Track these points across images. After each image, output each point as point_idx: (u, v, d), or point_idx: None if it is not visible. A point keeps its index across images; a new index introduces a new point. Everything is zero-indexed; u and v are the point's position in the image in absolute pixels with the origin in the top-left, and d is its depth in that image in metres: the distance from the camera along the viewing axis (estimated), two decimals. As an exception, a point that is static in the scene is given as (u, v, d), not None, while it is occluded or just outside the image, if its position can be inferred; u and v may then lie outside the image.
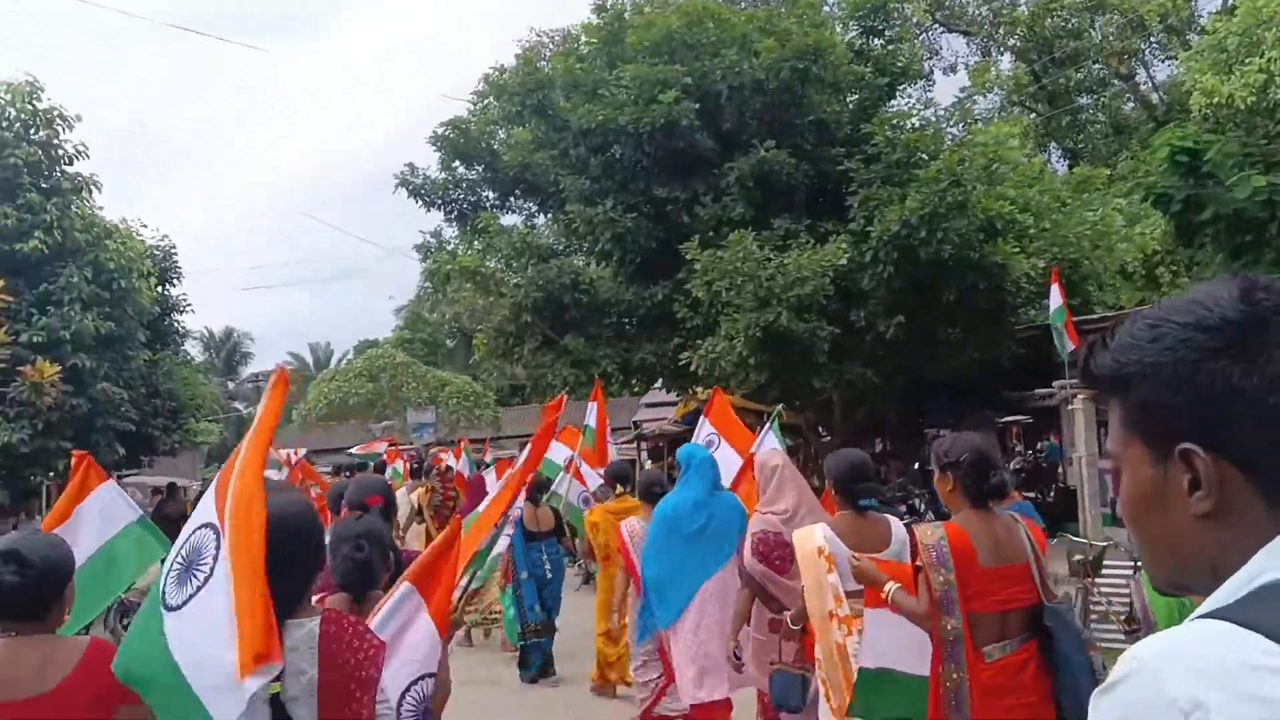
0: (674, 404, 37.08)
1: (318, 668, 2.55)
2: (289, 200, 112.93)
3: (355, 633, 2.67)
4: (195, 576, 2.44)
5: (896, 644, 3.99)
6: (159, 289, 16.14)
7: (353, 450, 25.86)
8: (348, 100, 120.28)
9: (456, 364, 48.31)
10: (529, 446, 4.68)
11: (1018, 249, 13.82)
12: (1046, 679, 3.65)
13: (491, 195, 17.06)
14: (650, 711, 6.84)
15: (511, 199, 17.20)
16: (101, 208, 14.01)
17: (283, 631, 2.47)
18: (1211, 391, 1.03)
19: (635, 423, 39.64)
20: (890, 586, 3.85)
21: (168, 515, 22.29)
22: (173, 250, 16.43)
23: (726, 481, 6.49)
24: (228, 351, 66.51)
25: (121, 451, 13.51)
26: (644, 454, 27.64)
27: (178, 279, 16.58)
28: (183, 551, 2.51)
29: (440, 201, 17.22)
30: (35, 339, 12.15)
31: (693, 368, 14.14)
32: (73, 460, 5.45)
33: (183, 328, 17.14)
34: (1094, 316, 15.96)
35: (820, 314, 13.68)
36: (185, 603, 2.41)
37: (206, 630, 2.36)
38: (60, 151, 13.54)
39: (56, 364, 10.86)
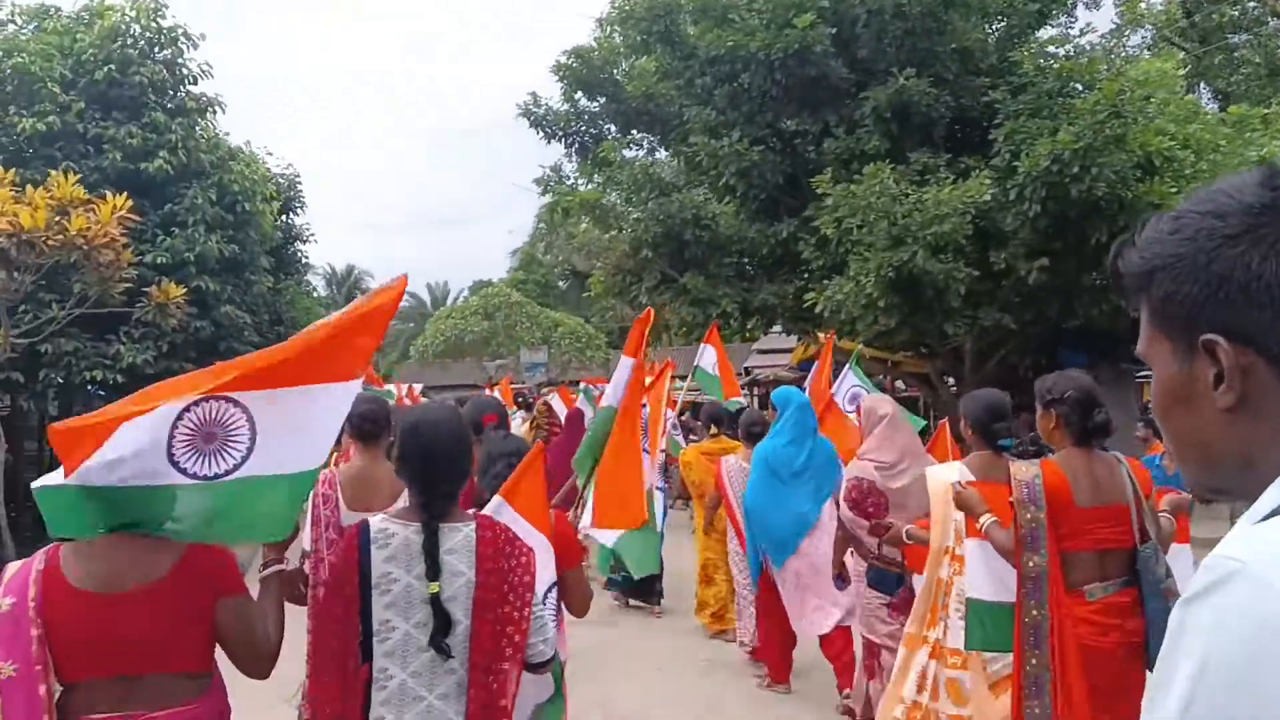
0: (788, 350, 36.52)
1: (474, 571, 2.68)
2: (412, 139, 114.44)
3: (508, 539, 2.78)
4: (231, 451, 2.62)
5: (997, 574, 3.99)
6: (282, 218, 16.16)
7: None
8: (473, 37, 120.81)
9: (568, 306, 48.30)
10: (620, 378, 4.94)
11: (1174, 189, 12.77)
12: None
13: (613, 128, 16.58)
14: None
15: (633, 132, 16.69)
16: (227, 133, 14.00)
17: (440, 535, 2.66)
18: (1231, 279, 1.00)
19: (746, 369, 39.20)
20: (986, 518, 3.84)
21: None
22: (296, 179, 16.49)
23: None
24: (349, 288, 68.09)
25: None
26: (755, 400, 27.17)
27: (301, 208, 16.63)
28: (194, 415, 2.60)
29: (561, 133, 16.82)
30: (160, 260, 12.17)
31: (817, 309, 13.53)
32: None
33: (305, 258, 17.22)
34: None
35: (958, 255, 12.91)
36: (228, 472, 2.57)
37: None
38: (185, 71, 13.38)
39: (181, 285, 10.79)
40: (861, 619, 5.65)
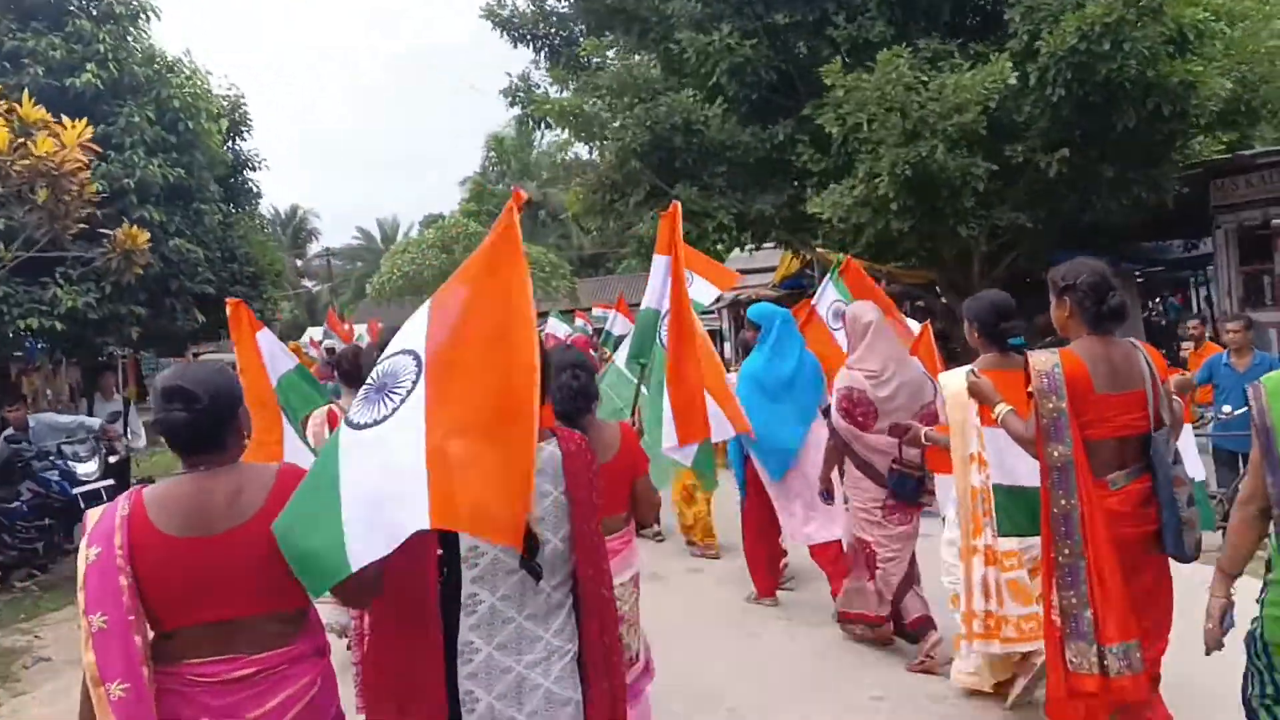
0: (766, 269, 35.47)
1: (564, 486, 2.74)
2: (360, 72, 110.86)
3: (584, 448, 2.86)
4: (389, 399, 2.42)
5: (1019, 459, 3.97)
6: (229, 143, 14.71)
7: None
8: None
9: (524, 236, 46.84)
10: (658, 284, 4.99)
11: (1200, 67, 11.79)
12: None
13: (585, 29, 15.20)
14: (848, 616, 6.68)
15: (607, 34, 15.33)
16: (163, 50, 12.38)
17: None
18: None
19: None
20: (1002, 408, 3.83)
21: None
22: (242, 100, 14.88)
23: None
24: (294, 229, 65.94)
25: (201, 319, 12.22)
26: (733, 321, 26.20)
27: (248, 131, 15.08)
28: (377, 373, 2.53)
29: (530, 36, 15.46)
30: (95, 189, 10.77)
31: (823, 215, 12.47)
32: (228, 309, 5.59)
33: (256, 186, 15.71)
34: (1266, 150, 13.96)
35: (975, 148, 11.90)
36: (374, 424, 2.39)
37: (389, 456, 2.32)
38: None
39: (122, 217, 9.43)
40: (855, 520, 5.72)
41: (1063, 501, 3.51)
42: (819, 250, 15.74)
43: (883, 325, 5.68)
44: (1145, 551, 3.59)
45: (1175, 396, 3.83)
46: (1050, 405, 3.53)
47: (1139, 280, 19.58)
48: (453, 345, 2.42)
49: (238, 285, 13.82)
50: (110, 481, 9.19)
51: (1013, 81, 11.09)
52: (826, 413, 6.07)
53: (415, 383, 2.39)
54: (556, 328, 15.60)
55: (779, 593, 7.13)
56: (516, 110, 15.91)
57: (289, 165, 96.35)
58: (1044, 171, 12.34)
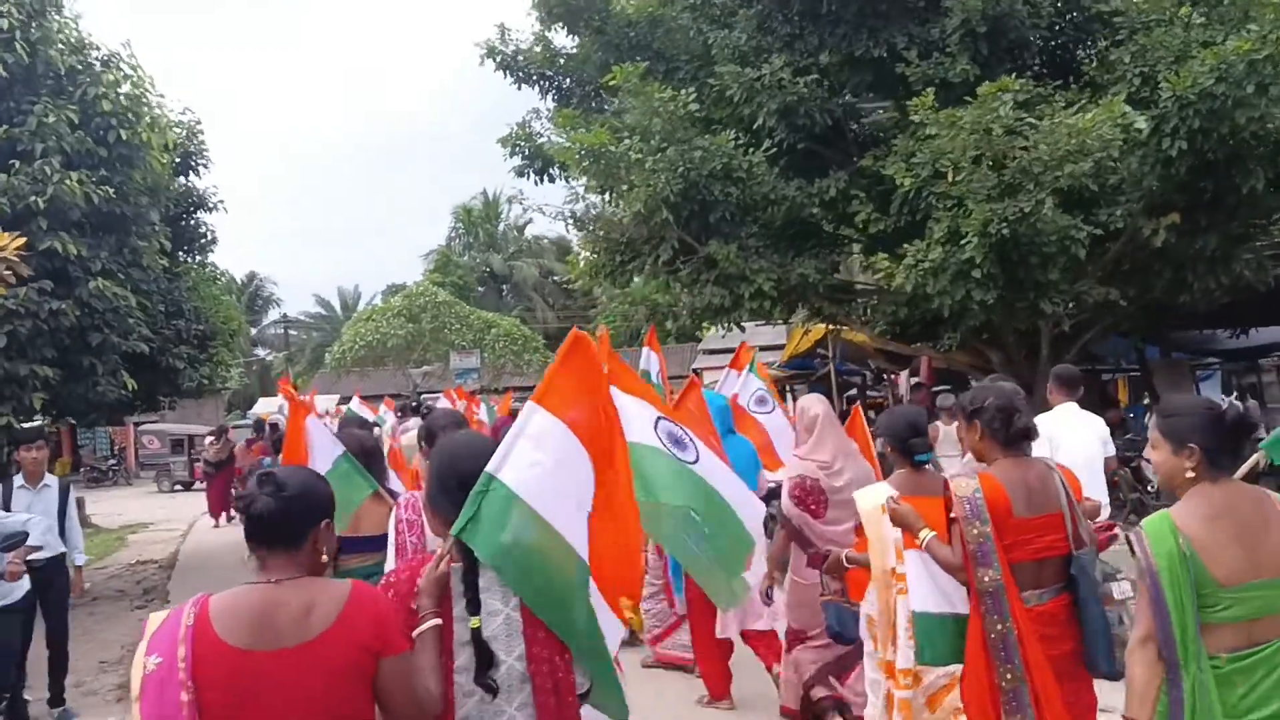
0: (731, 351, 33.66)
1: (516, 602, 2.72)
2: (322, 147, 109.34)
3: None
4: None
5: (938, 585, 4.00)
6: (180, 179, 12.48)
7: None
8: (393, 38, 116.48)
9: (487, 310, 44.90)
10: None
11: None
12: (1080, 628, 3.66)
13: (599, 69, 13.27)
14: (657, 644, 7.14)
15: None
16: (94, 39, 9.95)
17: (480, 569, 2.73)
18: None
19: (695, 371, 36.22)
20: (925, 534, 3.87)
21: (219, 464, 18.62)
22: (198, 127, 12.57)
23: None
24: (250, 295, 63.42)
25: (130, 386, 9.73)
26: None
27: (205, 166, 12.75)
28: None
29: (536, 76, 13.53)
30: (-13, 209, 8.33)
31: (896, 282, 10.48)
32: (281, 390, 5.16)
33: (211, 231, 13.24)
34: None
35: (1079, 206, 10.06)
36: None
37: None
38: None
39: (28, 248, 7.06)
40: (792, 605, 5.71)
41: (999, 626, 3.57)
42: (848, 327, 13.75)
43: (831, 418, 5.68)
44: (1065, 675, 3.62)
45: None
46: (976, 531, 3.58)
47: (1197, 373, 17.88)
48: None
49: (182, 345, 11.47)
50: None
51: (1141, 126, 9.23)
52: (766, 500, 5.92)
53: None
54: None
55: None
56: (516, 160, 13.87)
57: (247, 233, 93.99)
58: (1145, 240, 10.54)
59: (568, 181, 13.71)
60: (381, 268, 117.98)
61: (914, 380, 17.25)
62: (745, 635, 6.37)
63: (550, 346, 43.00)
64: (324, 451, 5.03)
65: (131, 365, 9.82)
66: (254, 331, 61.23)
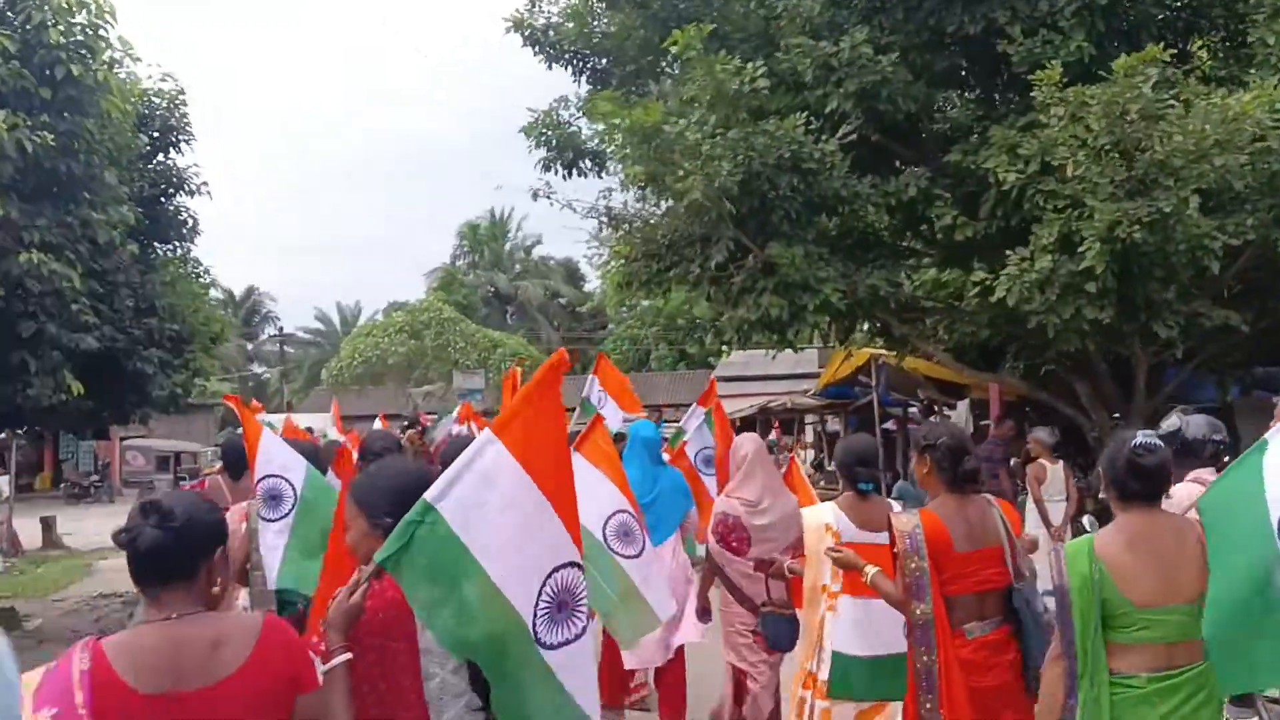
0: (750, 379, 31.95)
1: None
2: (321, 163, 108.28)
3: None
4: (574, 620, 2.60)
5: (867, 630, 4.40)
6: (158, 157, 10.84)
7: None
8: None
9: (493, 327, 43.30)
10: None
11: None
12: (1021, 658, 3.81)
13: (643, 47, 11.69)
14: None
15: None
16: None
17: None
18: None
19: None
20: (870, 570, 3.98)
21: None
22: (179, 98, 10.95)
23: None
24: (248, 310, 61.95)
25: (76, 390, 7.92)
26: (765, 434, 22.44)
27: (186, 142, 11.04)
28: (549, 590, 2.59)
29: (570, 54, 11.98)
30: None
31: (996, 296, 8.88)
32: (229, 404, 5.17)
33: (193, 218, 11.48)
34: None
35: (1218, 210, 8.49)
36: (564, 644, 2.55)
37: (582, 670, 2.61)
38: None
39: None
40: (728, 645, 5.77)
41: (925, 658, 3.72)
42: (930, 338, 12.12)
43: (763, 456, 5.84)
44: (1003, 701, 3.74)
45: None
46: (913, 565, 3.71)
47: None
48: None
49: (153, 348, 9.81)
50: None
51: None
52: None
53: (585, 590, 2.68)
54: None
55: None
56: (541, 152, 12.29)
57: (246, 247, 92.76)
58: (1276, 256, 8.98)
59: (600, 175, 12.15)
60: (384, 286, 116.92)
61: (975, 413, 15.64)
62: (657, 683, 6.51)
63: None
64: (282, 463, 4.75)
65: (83, 366, 8.18)
66: (250, 347, 59.81)
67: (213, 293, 19.17)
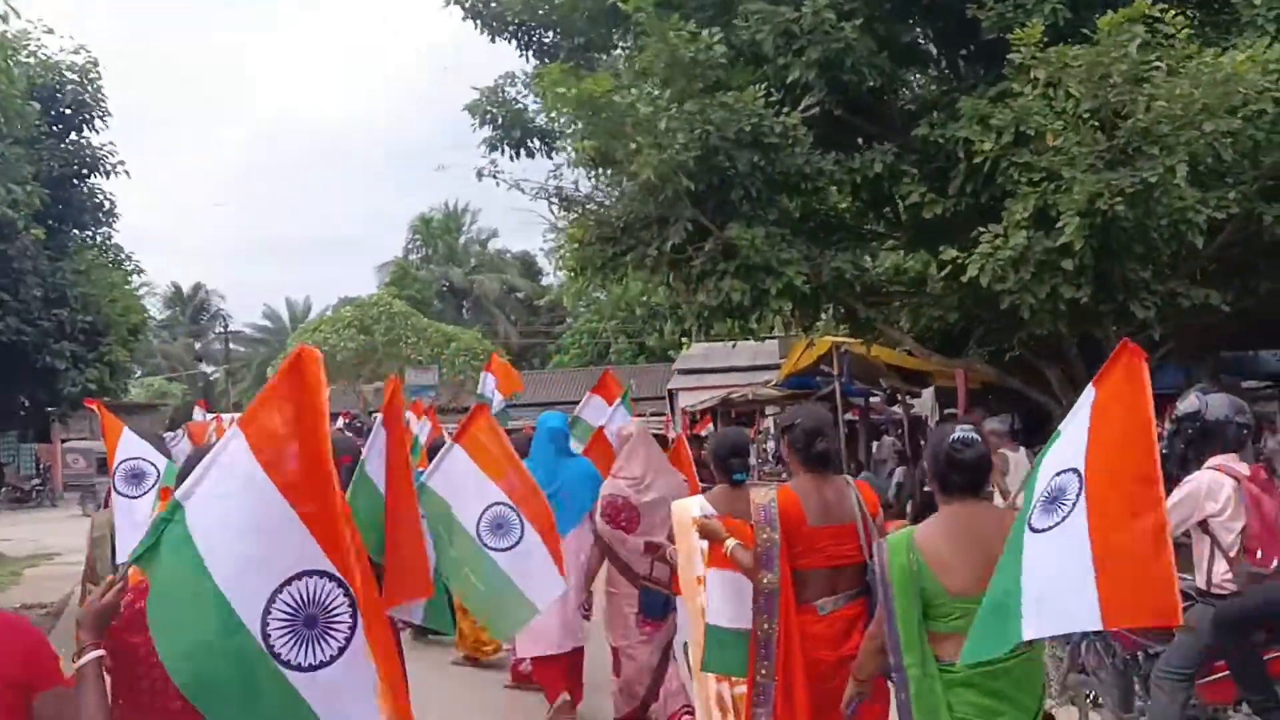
0: (710, 370, 31.44)
1: None
2: (268, 157, 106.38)
3: None
4: (328, 639, 2.37)
5: (734, 602, 4.20)
6: (70, 136, 10.01)
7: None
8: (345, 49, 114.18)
9: (448, 322, 42.48)
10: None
11: None
12: None
13: (592, 20, 11.04)
14: (518, 667, 7.30)
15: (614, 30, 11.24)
16: None
17: None
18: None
19: (670, 391, 33.94)
20: (730, 542, 4.07)
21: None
22: (92, 69, 9.98)
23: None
24: (195, 308, 60.57)
25: None
26: (718, 425, 21.87)
27: (100, 117, 10.13)
28: (288, 599, 2.38)
29: (514, 28, 11.33)
30: None
31: (969, 274, 8.38)
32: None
33: (109, 199, 10.59)
34: None
35: (1203, 180, 8.03)
36: (320, 666, 2.34)
37: (346, 697, 2.37)
38: None
39: None
40: (611, 626, 5.94)
41: (765, 626, 3.86)
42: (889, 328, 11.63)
43: (646, 437, 6.05)
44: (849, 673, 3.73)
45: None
46: (764, 536, 3.85)
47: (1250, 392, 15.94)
48: (1101, 458, 2.61)
49: (65, 341, 9.04)
50: None
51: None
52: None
53: (353, 616, 2.36)
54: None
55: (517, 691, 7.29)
56: (486, 131, 11.63)
57: (193, 243, 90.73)
58: (1260, 230, 8.58)
59: (550, 156, 11.51)
60: (335, 282, 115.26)
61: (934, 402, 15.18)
62: (534, 663, 6.63)
63: (514, 363, 40.77)
64: (141, 450, 4.89)
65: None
66: (199, 346, 58.42)
67: (149, 286, 18.32)
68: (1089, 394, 2.80)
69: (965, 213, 9.32)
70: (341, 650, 2.35)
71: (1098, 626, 2.59)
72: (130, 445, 4.82)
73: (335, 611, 2.36)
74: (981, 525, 3.12)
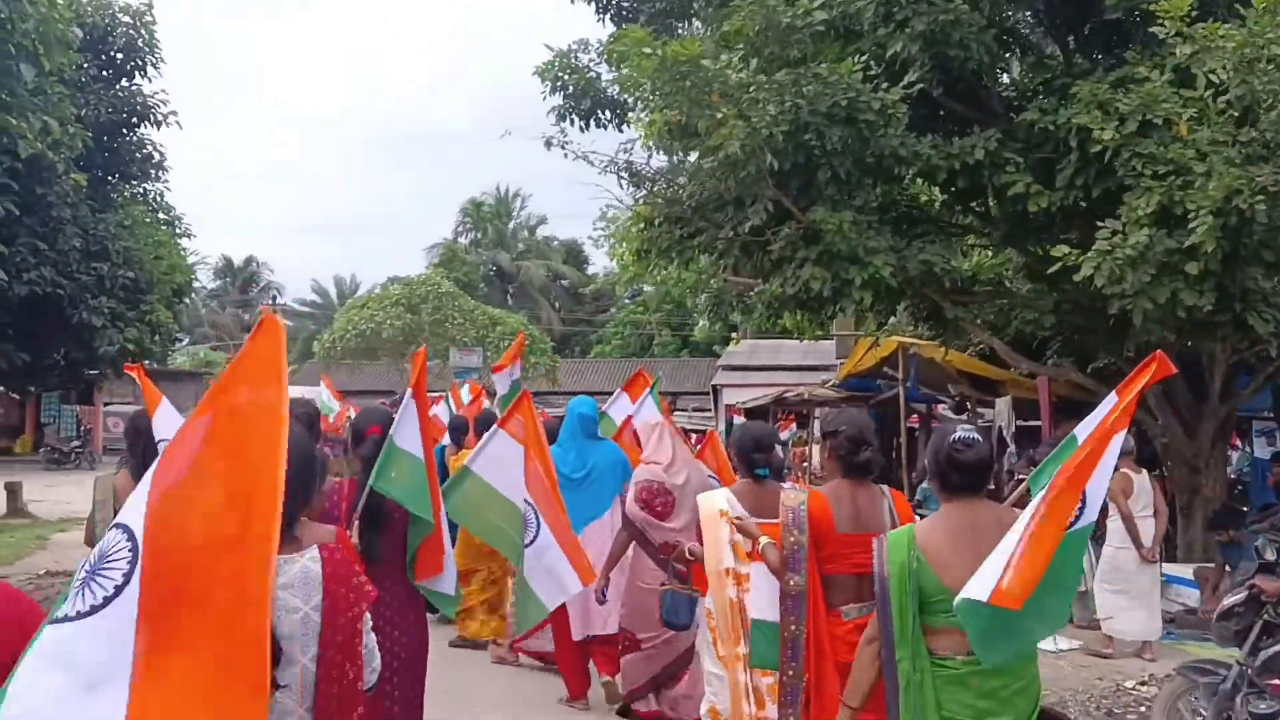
0: (757, 368, 30.65)
1: (317, 607, 2.56)
2: (329, 132, 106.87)
3: (348, 559, 2.70)
4: (94, 587, 2.09)
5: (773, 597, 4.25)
6: (121, 82, 9.52)
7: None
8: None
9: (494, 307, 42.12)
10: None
11: None
12: None
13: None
14: (519, 644, 7.21)
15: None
16: None
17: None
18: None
19: (715, 387, 33.20)
20: (762, 540, 4.09)
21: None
22: (146, 12, 9.43)
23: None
24: (244, 280, 60.73)
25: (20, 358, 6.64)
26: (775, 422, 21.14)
27: (155, 64, 9.67)
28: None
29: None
30: None
31: (1082, 274, 7.64)
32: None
33: (158, 151, 10.17)
34: None
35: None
36: (82, 615, 2.05)
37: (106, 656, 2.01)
38: None
39: None
40: (635, 612, 5.94)
41: (793, 627, 3.86)
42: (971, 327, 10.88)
43: (669, 428, 6.15)
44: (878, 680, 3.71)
45: None
46: (792, 539, 3.85)
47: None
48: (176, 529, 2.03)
49: (103, 297, 8.54)
50: None
51: None
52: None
53: (128, 578, 1.99)
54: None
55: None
56: (556, 99, 11.02)
57: (246, 216, 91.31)
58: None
59: (620, 129, 10.88)
60: (385, 263, 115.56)
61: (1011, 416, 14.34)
62: (590, 642, 6.50)
63: (558, 350, 40.23)
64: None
65: (19, 311, 6.92)
66: (248, 317, 58.56)
67: (202, 255, 17.87)
68: (1110, 399, 2.89)
69: (1069, 208, 8.58)
70: (102, 601, 2.09)
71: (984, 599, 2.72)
72: (165, 422, 4.47)
73: (111, 559, 2.11)
74: (983, 524, 3.11)
